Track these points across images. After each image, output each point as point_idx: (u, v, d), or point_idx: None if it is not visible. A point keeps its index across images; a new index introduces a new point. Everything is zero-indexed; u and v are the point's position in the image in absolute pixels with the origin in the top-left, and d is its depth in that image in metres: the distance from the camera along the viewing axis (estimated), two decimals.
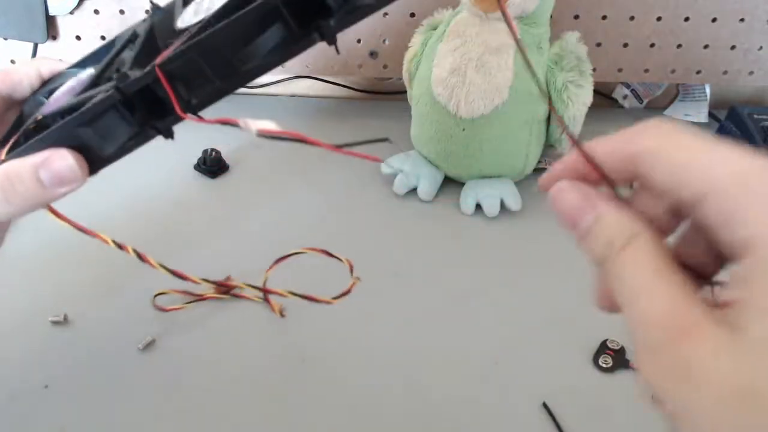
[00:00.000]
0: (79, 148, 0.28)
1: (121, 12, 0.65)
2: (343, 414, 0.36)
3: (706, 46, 0.66)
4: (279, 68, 0.69)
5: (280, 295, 0.36)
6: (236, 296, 0.43)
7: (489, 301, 0.45)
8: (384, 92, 0.76)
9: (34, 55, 0.67)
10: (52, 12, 0.65)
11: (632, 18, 0.65)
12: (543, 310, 0.44)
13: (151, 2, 0.33)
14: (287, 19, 0.25)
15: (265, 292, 0.39)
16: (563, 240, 0.55)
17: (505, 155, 0.53)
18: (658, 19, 0.64)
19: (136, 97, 0.27)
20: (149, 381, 0.38)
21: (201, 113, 0.28)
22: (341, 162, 0.62)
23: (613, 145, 0.21)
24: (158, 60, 0.26)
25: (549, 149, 0.59)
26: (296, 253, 0.37)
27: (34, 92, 0.31)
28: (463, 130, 0.52)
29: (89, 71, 0.31)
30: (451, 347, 0.41)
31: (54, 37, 0.67)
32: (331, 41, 0.25)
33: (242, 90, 0.78)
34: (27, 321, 0.42)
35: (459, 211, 0.55)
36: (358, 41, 0.66)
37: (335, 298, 0.35)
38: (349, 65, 0.68)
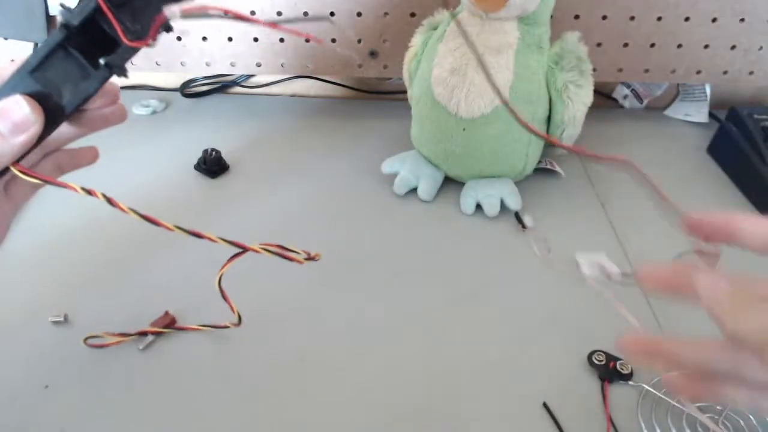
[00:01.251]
0: (35, 96, 0.28)
1: None
2: (342, 413, 0.36)
3: (706, 46, 0.66)
4: (279, 68, 0.69)
5: (255, 251, 0.34)
6: (181, 328, 0.41)
7: (489, 301, 0.45)
8: (384, 92, 0.76)
9: None
10: (52, 12, 0.65)
11: (632, 18, 0.65)
12: (543, 309, 0.44)
13: None
14: None
15: (241, 246, 0.36)
16: (563, 240, 0.55)
17: (505, 155, 0.53)
18: (659, 19, 0.64)
19: (82, 36, 0.27)
20: (150, 381, 0.38)
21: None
22: (341, 162, 0.62)
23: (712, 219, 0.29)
24: None
25: (549, 149, 0.59)
26: (253, 250, 0.35)
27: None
28: (463, 130, 0.52)
29: None
30: (451, 347, 0.41)
31: None
32: None
33: (242, 90, 0.78)
34: (27, 321, 0.42)
35: (459, 211, 0.55)
36: (359, 41, 0.66)
37: (306, 259, 0.34)
38: (349, 65, 0.68)
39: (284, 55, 0.68)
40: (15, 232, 0.51)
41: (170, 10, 0.27)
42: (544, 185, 0.58)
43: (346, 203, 0.56)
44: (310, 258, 0.33)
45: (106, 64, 0.28)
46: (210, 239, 0.32)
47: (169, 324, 0.41)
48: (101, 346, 0.39)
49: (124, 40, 0.27)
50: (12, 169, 0.28)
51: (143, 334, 0.40)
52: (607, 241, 0.51)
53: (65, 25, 0.27)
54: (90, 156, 0.37)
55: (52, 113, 0.29)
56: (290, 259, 0.32)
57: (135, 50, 0.28)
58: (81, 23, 0.27)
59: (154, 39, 0.27)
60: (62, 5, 0.28)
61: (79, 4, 0.27)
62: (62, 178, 0.31)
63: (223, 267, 0.37)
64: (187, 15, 0.27)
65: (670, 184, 0.60)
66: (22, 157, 0.29)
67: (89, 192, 0.29)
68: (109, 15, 0.26)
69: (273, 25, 0.27)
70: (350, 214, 0.54)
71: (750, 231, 0.28)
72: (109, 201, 0.29)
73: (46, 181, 0.29)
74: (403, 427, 0.35)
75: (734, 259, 0.29)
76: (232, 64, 0.69)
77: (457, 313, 0.44)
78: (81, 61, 0.28)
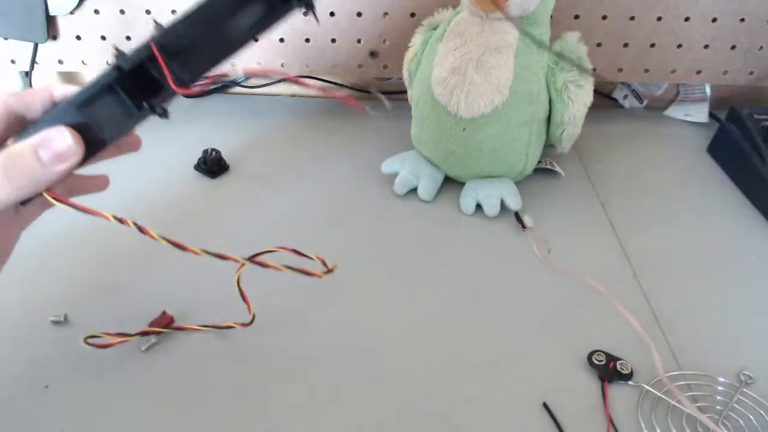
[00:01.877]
0: (78, 128, 0.30)
1: (122, 12, 0.65)
2: (342, 412, 0.36)
3: (706, 46, 0.66)
4: (279, 68, 0.69)
5: (274, 268, 0.35)
6: (179, 328, 0.41)
7: (489, 301, 0.45)
8: (384, 92, 0.76)
9: (34, 55, 0.67)
10: (52, 12, 0.65)
11: (632, 18, 0.65)
12: (543, 309, 0.44)
13: (155, 21, 0.33)
14: None
15: (257, 263, 0.37)
16: (563, 240, 0.55)
17: (505, 155, 0.53)
18: (659, 19, 0.64)
19: (131, 77, 0.29)
20: (150, 381, 0.38)
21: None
22: (341, 162, 0.62)
23: None
24: (153, 34, 0.28)
25: (549, 149, 0.59)
26: (269, 251, 0.36)
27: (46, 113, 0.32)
28: (463, 130, 0.52)
29: None
30: (451, 347, 0.41)
31: (54, 37, 0.67)
32: (309, 8, 0.29)
33: (242, 90, 0.78)
34: (27, 321, 0.42)
35: (459, 211, 0.55)
36: (359, 41, 0.66)
37: (325, 273, 0.34)
38: (349, 65, 0.68)
39: (284, 55, 0.68)
40: None
41: (233, 69, 0.29)
42: (544, 185, 0.58)
43: (346, 203, 0.56)
44: (328, 271, 0.33)
45: (150, 106, 0.30)
46: (234, 260, 0.33)
47: (167, 324, 0.41)
48: (102, 346, 0.38)
49: (173, 87, 0.29)
50: (44, 194, 0.29)
51: (143, 334, 0.40)
52: (607, 241, 0.51)
53: (118, 68, 0.28)
54: (101, 184, 0.38)
55: (91, 145, 0.30)
56: (310, 274, 0.33)
57: (178, 95, 0.29)
58: (132, 68, 0.28)
59: (202, 94, 0.30)
60: (116, 48, 0.29)
61: (134, 49, 0.28)
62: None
63: (239, 269, 0.38)
64: (249, 75, 0.28)
65: (670, 184, 0.60)
66: None
67: (121, 220, 0.30)
68: (162, 64, 0.28)
69: (325, 90, 0.29)
70: (350, 214, 0.54)
71: None
72: (140, 229, 0.31)
73: (77, 208, 0.30)
74: (403, 427, 0.35)
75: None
76: (232, 64, 0.69)
77: (457, 312, 0.44)
78: (126, 102, 0.30)
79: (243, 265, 0.34)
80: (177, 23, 0.28)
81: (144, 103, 0.30)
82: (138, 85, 0.30)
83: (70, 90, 0.32)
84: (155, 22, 0.30)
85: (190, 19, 0.28)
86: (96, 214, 0.30)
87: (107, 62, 0.29)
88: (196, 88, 0.30)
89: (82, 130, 0.30)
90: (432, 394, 0.38)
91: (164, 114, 0.30)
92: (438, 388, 0.38)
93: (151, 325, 0.41)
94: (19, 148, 0.29)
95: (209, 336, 0.41)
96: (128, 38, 0.66)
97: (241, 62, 0.30)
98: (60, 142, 0.29)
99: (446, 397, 0.37)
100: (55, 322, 0.42)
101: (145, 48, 0.28)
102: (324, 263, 0.36)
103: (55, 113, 0.30)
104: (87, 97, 0.30)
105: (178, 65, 0.29)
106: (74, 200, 0.30)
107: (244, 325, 0.40)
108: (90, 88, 0.29)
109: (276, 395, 0.37)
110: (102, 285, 0.45)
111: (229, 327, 0.40)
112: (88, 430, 0.35)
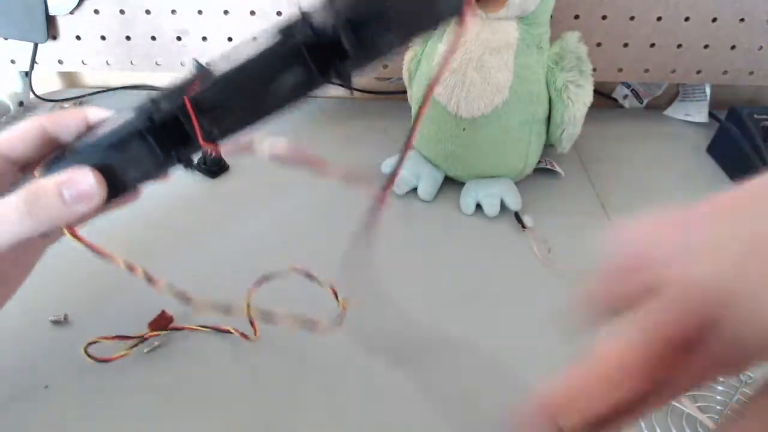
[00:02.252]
0: (104, 169, 0.30)
1: (122, 12, 0.65)
2: (340, 411, 0.36)
3: (706, 46, 0.66)
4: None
5: (282, 323, 0.36)
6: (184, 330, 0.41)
7: (489, 301, 0.45)
8: (384, 92, 0.76)
9: (34, 54, 0.67)
10: (52, 12, 0.65)
11: (632, 18, 0.65)
12: (543, 309, 0.44)
13: (195, 60, 0.35)
14: (307, 61, 0.27)
15: (252, 321, 0.38)
16: (563, 240, 0.55)
17: (505, 155, 0.53)
18: (659, 19, 0.64)
19: (162, 125, 0.30)
20: (150, 381, 0.38)
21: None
22: (341, 162, 0.62)
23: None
24: (189, 93, 0.29)
25: (549, 149, 0.59)
26: (275, 276, 0.37)
27: (79, 137, 0.33)
28: (463, 130, 0.52)
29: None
30: (451, 347, 0.41)
31: (54, 37, 0.67)
32: (347, 83, 0.28)
33: None
34: (27, 321, 0.42)
35: (459, 211, 0.55)
36: None
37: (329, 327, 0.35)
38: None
39: None
40: None
41: (259, 147, 0.31)
42: (544, 185, 0.58)
43: (346, 203, 0.56)
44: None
45: (177, 156, 0.31)
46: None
47: (167, 323, 0.41)
48: (103, 360, 0.38)
49: (200, 142, 0.29)
50: (64, 230, 0.30)
51: (142, 340, 0.40)
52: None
53: (150, 118, 0.29)
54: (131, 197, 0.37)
55: (114, 188, 0.31)
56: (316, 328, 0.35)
57: (205, 149, 0.30)
58: (164, 119, 0.29)
59: (229, 154, 0.29)
60: (152, 99, 0.30)
61: (166, 98, 0.29)
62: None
63: (250, 295, 0.39)
64: (277, 157, 0.29)
65: (670, 184, 0.60)
66: None
67: (131, 268, 0.31)
68: (194, 121, 0.29)
69: (345, 175, 0.31)
70: (350, 214, 0.54)
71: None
72: (149, 279, 0.32)
73: (92, 249, 0.31)
74: (402, 426, 0.35)
75: None
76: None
77: (457, 312, 0.44)
78: (155, 149, 0.30)
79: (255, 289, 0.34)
80: (215, 82, 0.29)
81: (172, 152, 0.30)
82: (167, 134, 0.30)
83: (104, 114, 0.32)
84: (196, 62, 0.31)
85: (228, 79, 0.29)
86: (109, 257, 0.31)
87: (138, 107, 0.30)
88: (223, 146, 0.30)
89: (106, 171, 0.30)
90: (432, 393, 0.38)
91: (189, 165, 0.31)
92: (438, 388, 0.38)
93: (151, 324, 0.41)
94: (44, 184, 0.30)
95: (209, 336, 0.41)
96: (128, 38, 0.67)
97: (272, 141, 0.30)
98: (84, 183, 0.30)
99: (446, 397, 0.37)
100: (55, 322, 0.42)
101: (180, 102, 0.29)
102: (335, 294, 0.36)
103: (83, 150, 0.31)
104: (116, 139, 0.30)
105: (208, 120, 0.29)
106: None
107: (244, 336, 0.40)
108: (120, 131, 0.30)
109: (277, 396, 0.37)
110: (102, 285, 0.45)
111: (228, 332, 0.40)
112: (88, 430, 0.35)
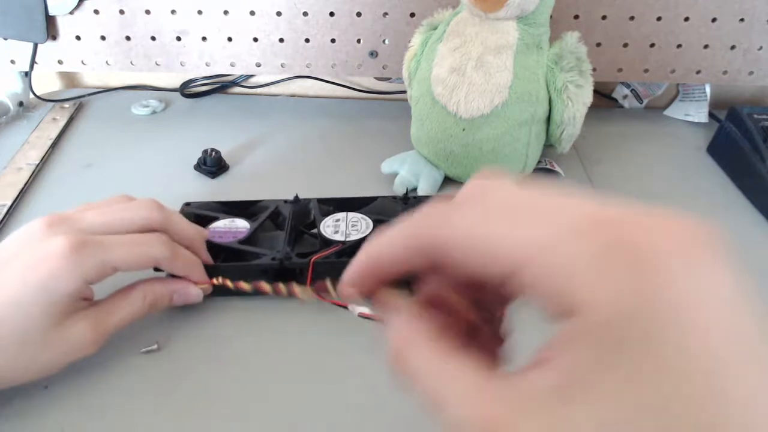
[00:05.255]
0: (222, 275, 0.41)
1: (121, 12, 0.65)
2: (340, 411, 0.36)
3: (706, 46, 0.66)
4: (278, 68, 0.69)
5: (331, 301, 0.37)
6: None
7: None
8: (384, 92, 0.76)
9: (34, 55, 0.67)
10: (51, 12, 0.65)
11: (632, 18, 0.65)
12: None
13: (296, 195, 0.48)
14: None
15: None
16: None
17: (505, 155, 0.53)
18: (658, 19, 0.64)
19: (284, 270, 0.41)
20: (150, 381, 0.38)
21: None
22: (341, 162, 0.62)
23: (401, 241, 0.20)
24: (314, 257, 0.41)
25: (549, 149, 0.59)
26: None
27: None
28: (463, 130, 0.52)
29: (243, 222, 0.45)
30: None
31: (54, 37, 0.67)
32: (412, 290, 0.36)
33: (242, 90, 0.78)
34: None
35: None
36: (358, 41, 0.66)
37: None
38: (348, 65, 0.68)
39: (284, 55, 0.68)
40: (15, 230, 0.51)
41: (352, 307, 0.37)
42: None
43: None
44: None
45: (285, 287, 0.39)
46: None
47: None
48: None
49: (308, 287, 0.36)
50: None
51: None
52: None
53: (282, 263, 0.41)
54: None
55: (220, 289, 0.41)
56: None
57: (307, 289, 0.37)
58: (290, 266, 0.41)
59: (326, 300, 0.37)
60: (297, 195, 0.47)
61: (290, 250, 0.42)
62: None
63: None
64: (364, 315, 0.37)
65: (670, 184, 0.60)
66: None
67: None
68: (309, 276, 0.41)
69: (366, 315, 0.37)
70: None
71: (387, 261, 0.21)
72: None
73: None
74: (403, 426, 0.35)
75: None
76: (232, 65, 0.69)
77: None
78: (270, 280, 0.39)
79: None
80: (333, 261, 0.41)
81: (279, 283, 0.38)
82: (284, 273, 0.41)
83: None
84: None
85: (340, 262, 0.40)
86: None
87: (272, 258, 0.41)
88: (321, 297, 0.36)
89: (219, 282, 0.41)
90: None
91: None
92: None
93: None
94: (161, 290, 0.38)
95: (208, 339, 0.41)
96: (128, 38, 0.67)
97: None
98: (193, 295, 0.40)
99: None
100: None
101: (306, 263, 0.40)
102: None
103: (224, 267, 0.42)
104: (249, 268, 0.41)
105: (318, 276, 0.39)
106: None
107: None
108: (257, 266, 0.41)
109: (277, 396, 0.37)
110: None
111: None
112: (88, 430, 0.35)
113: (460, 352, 0.18)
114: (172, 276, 0.40)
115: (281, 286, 0.36)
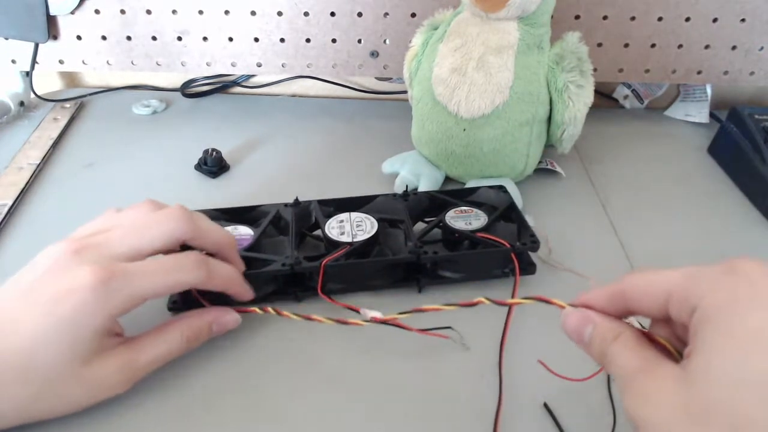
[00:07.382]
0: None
1: (122, 12, 0.65)
2: (340, 409, 0.36)
3: (706, 47, 0.66)
4: (279, 68, 0.69)
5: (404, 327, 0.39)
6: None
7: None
8: (385, 92, 0.76)
9: (34, 54, 0.67)
10: (52, 12, 0.65)
11: (633, 18, 0.65)
12: (544, 309, 0.44)
13: (296, 198, 0.48)
14: (403, 268, 0.45)
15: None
16: (563, 240, 0.55)
17: (506, 155, 0.53)
18: (659, 19, 0.64)
19: (295, 275, 0.42)
20: (151, 381, 0.38)
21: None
22: (342, 162, 0.62)
23: (606, 295, 0.29)
24: (324, 261, 0.40)
25: (549, 149, 0.59)
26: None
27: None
28: (464, 130, 0.52)
29: (246, 229, 0.44)
30: (452, 346, 0.41)
31: (55, 37, 0.67)
32: (420, 289, 0.44)
33: (243, 90, 0.78)
34: None
35: None
36: (359, 41, 0.66)
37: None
38: (349, 65, 0.68)
39: (284, 55, 0.68)
40: (16, 230, 0.51)
41: (363, 311, 0.38)
42: (544, 185, 0.58)
43: None
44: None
45: (294, 293, 0.43)
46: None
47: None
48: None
49: (320, 293, 0.41)
50: None
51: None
52: (608, 241, 0.51)
53: (293, 268, 0.41)
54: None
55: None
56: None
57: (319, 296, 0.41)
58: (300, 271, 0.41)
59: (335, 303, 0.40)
60: (297, 198, 0.48)
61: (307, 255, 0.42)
62: None
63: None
64: (375, 320, 0.38)
65: (670, 184, 0.60)
66: None
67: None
68: (320, 279, 0.41)
69: (378, 319, 0.38)
70: None
71: (638, 296, 0.27)
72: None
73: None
74: (402, 426, 0.35)
75: None
76: (233, 64, 0.69)
77: (457, 312, 0.44)
78: (281, 285, 0.44)
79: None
80: (343, 264, 0.41)
81: (291, 290, 0.43)
82: (295, 279, 0.43)
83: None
84: (296, 198, 0.47)
85: (352, 264, 0.42)
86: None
87: (283, 264, 0.41)
88: (335, 301, 0.40)
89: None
90: (433, 394, 0.38)
91: (298, 299, 0.43)
92: (438, 389, 0.38)
93: None
94: (198, 324, 0.37)
95: (209, 340, 0.41)
96: (129, 38, 0.67)
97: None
98: (230, 322, 0.39)
99: (447, 397, 0.37)
100: None
101: (317, 267, 0.40)
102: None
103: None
104: (264, 276, 0.41)
105: (326, 278, 0.41)
106: None
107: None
108: (269, 273, 0.41)
109: (277, 397, 0.37)
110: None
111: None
112: (88, 430, 0.35)
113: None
114: (204, 293, 0.39)
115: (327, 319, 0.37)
